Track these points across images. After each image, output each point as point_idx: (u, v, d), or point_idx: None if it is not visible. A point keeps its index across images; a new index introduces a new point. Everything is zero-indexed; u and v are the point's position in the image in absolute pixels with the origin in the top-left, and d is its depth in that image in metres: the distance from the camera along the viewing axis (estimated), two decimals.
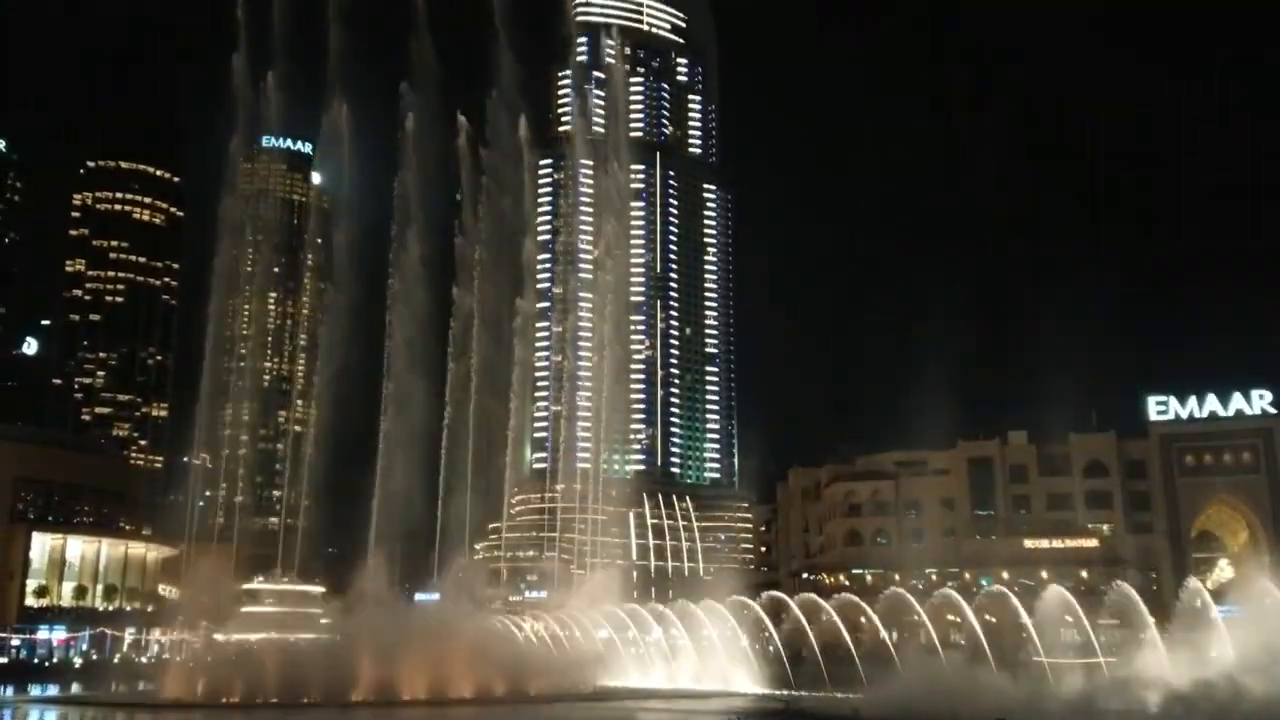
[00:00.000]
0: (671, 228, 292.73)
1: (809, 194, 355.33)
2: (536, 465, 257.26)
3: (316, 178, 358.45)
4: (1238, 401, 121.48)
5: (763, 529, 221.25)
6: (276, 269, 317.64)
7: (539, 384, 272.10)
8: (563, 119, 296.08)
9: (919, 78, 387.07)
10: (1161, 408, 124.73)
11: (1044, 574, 73.94)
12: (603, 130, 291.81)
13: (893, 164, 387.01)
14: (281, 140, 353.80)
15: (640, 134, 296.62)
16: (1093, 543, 72.32)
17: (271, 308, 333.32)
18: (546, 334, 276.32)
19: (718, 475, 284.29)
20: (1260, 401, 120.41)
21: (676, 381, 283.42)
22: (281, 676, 72.02)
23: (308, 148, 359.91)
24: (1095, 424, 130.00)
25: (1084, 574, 72.99)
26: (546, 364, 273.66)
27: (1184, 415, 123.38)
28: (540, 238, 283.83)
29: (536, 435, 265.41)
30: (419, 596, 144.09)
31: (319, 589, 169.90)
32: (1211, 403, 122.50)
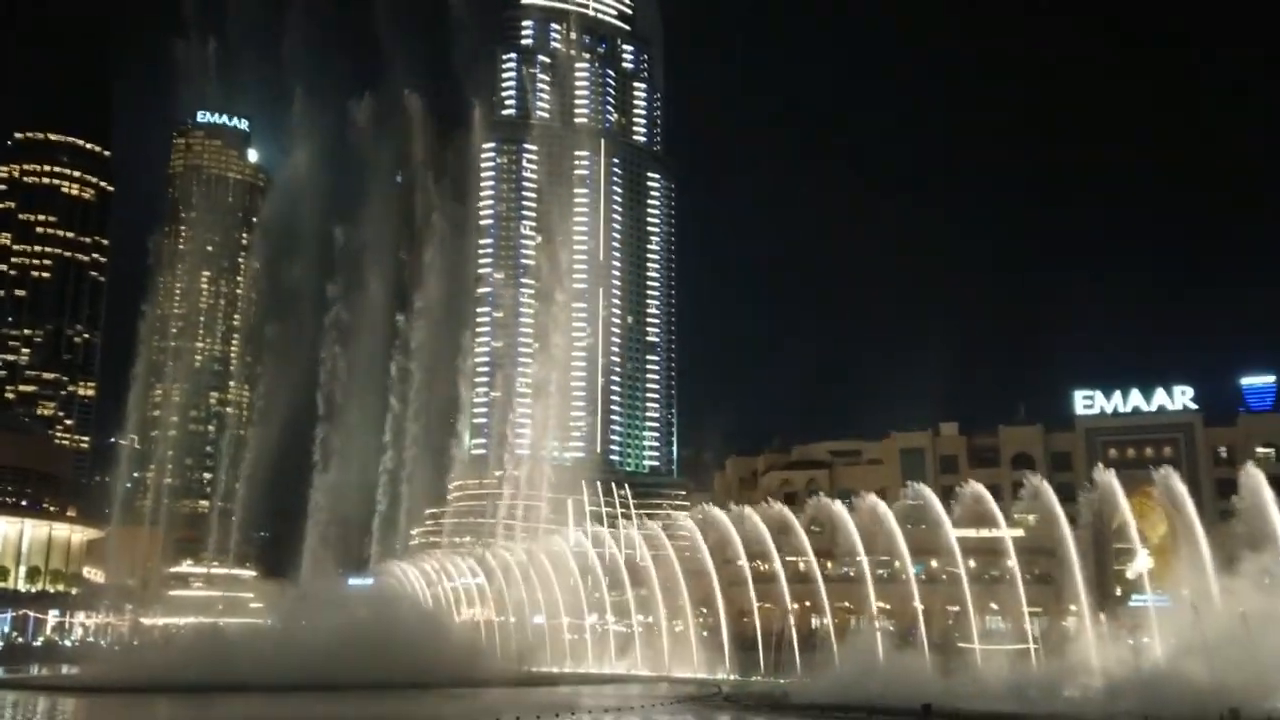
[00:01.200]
0: (615, 215, 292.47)
1: (755, 185, 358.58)
2: (476, 451, 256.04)
3: (254, 154, 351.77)
4: (1160, 397, 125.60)
5: (699, 517, 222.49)
6: (211, 247, 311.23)
7: (479, 370, 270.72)
8: (506, 103, 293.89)
9: (869, 69, 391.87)
10: (1088, 402, 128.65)
11: (971, 563, 75.73)
12: (547, 115, 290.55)
13: (841, 158, 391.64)
14: (218, 116, 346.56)
15: (585, 120, 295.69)
16: (1019, 533, 74.55)
17: (205, 286, 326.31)
18: (488, 319, 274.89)
19: (657, 463, 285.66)
20: (1182, 398, 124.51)
21: (617, 370, 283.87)
22: (209, 661, 71.08)
23: (245, 124, 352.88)
24: (1024, 417, 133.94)
25: (1010, 563, 75.21)
26: (487, 349, 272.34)
27: (1109, 410, 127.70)
28: (482, 222, 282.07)
29: (476, 421, 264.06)
30: (353, 581, 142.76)
31: (250, 573, 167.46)
32: (1135, 398, 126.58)
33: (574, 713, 52.81)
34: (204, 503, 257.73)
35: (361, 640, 73.22)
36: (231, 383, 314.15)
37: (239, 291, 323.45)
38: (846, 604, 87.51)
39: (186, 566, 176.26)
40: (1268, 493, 61.25)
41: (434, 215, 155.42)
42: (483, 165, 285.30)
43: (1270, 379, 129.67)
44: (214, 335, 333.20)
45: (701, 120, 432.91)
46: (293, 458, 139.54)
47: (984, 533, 75.94)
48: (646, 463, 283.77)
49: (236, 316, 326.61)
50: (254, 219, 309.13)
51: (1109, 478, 67.72)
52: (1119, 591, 74.19)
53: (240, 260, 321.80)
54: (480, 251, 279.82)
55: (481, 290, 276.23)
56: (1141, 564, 73.14)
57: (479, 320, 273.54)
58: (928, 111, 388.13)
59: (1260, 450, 71.45)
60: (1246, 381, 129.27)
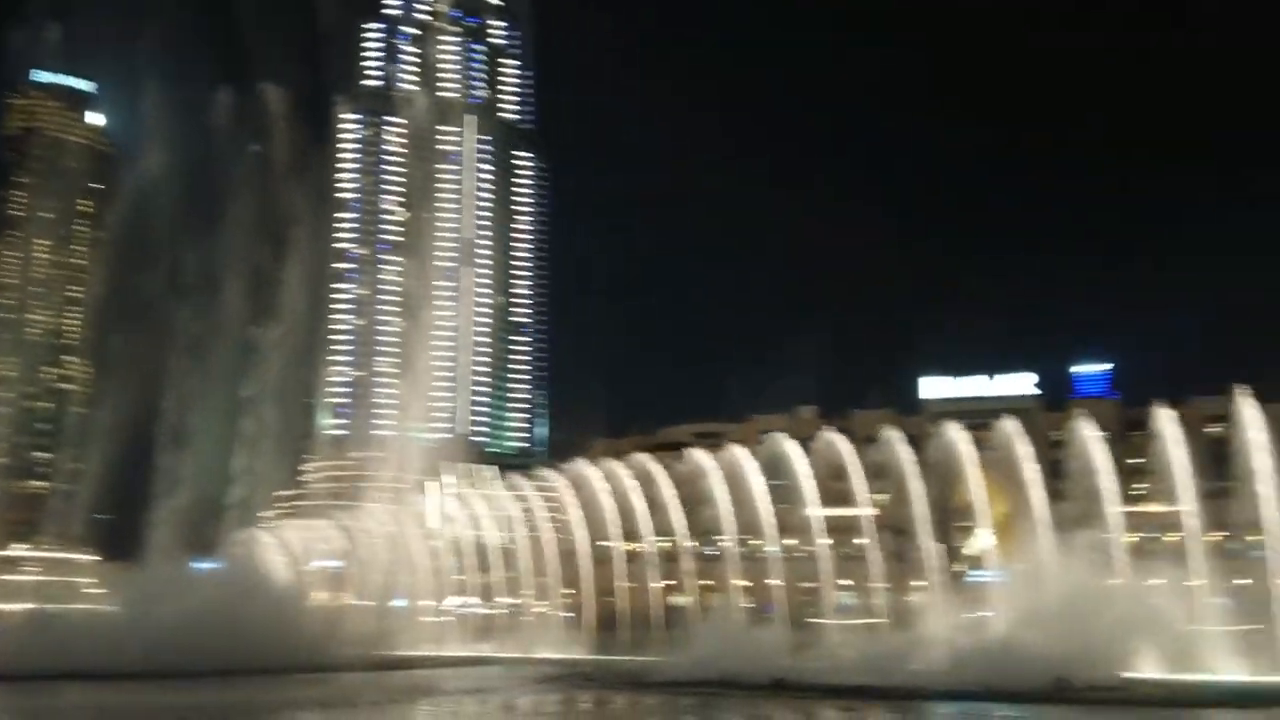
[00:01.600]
0: (483, 193, 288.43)
1: (632, 172, 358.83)
2: (332, 431, 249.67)
3: (97, 118, 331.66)
4: (1003, 383, 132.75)
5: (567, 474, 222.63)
6: (49, 214, 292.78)
7: (339, 347, 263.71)
8: (370, 74, 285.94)
9: (748, 55, 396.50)
10: (935, 387, 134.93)
11: (825, 541, 78.49)
12: (413, 88, 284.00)
13: (715, 149, 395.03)
14: (59, 75, 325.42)
15: (453, 94, 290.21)
16: (871, 512, 77.90)
17: (43, 255, 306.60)
18: (350, 296, 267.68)
19: (525, 445, 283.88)
20: (1024, 383, 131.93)
21: (484, 350, 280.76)
22: (41, 647, 67.43)
23: (89, 85, 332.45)
24: (875, 401, 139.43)
25: (861, 541, 78.39)
26: (348, 327, 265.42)
27: (955, 394, 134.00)
28: (345, 195, 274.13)
29: (334, 400, 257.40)
30: (201, 564, 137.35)
31: (91, 557, 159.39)
32: (981, 383, 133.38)
33: (432, 696, 52.33)
34: (39, 484, 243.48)
35: (209, 624, 70.60)
36: (71, 357, 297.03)
37: (79, 261, 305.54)
38: (710, 582, 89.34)
39: (17, 550, 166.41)
40: (1096, 447, 66.06)
41: (289, 184, 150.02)
42: (345, 137, 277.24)
43: (1104, 367, 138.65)
44: (52, 306, 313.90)
45: (580, 104, 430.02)
46: (138, 437, 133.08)
47: (838, 512, 78.86)
48: (512, 444, 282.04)
49: (77, 287, 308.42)
50: (96, 185, 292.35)
51: (953, 431, 71.81)
52: (960, 567, 78.10)
53: (82, 228, 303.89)
54: (341, 226, 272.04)
55: (342, 266, 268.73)
56: (982, 541, 77.03)
57: (339, 296, 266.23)
58: (804, 98, 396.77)
59: (1086, 433, 77.07)
60: (1079, 369, 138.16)
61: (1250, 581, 65.01)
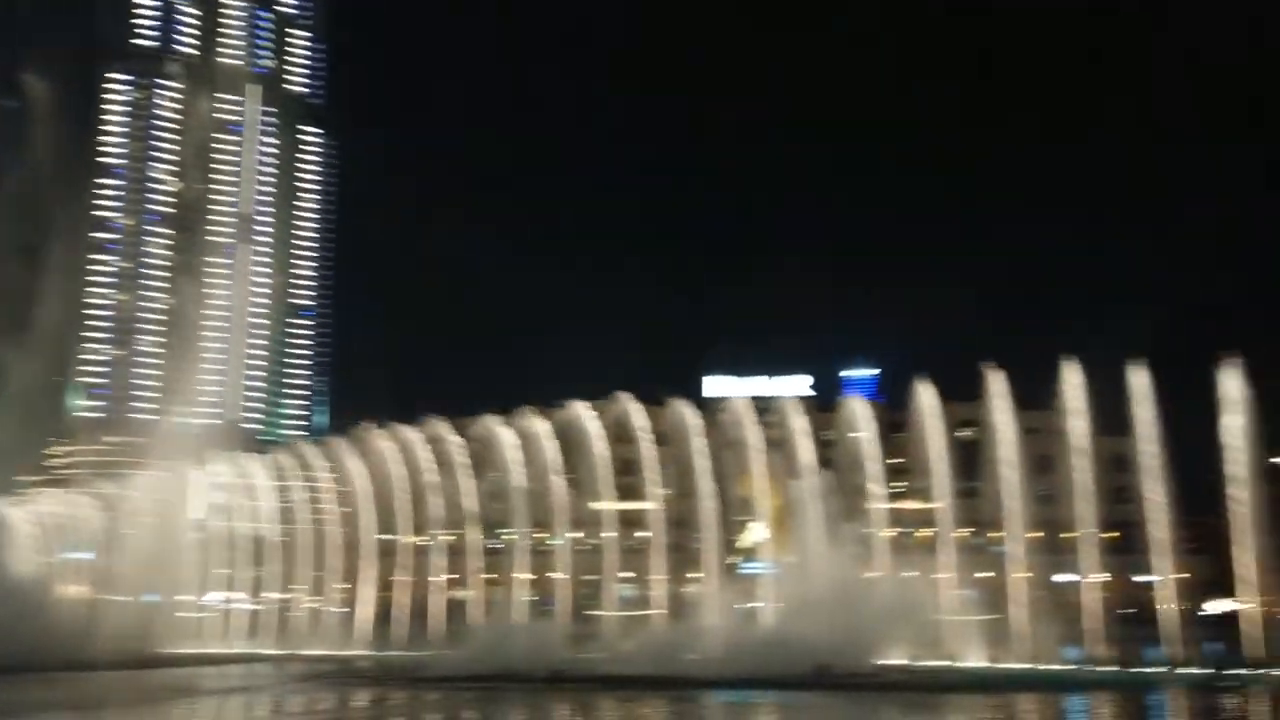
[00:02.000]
0: (265, 167, 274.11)
1: (427, 148, 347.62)
2: (89, 414, 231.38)
3: None
4: (782, 384, 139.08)
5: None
6: None
7: (97, 324, 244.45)
8: (144, 33, 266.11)
9: (547, 43, 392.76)
10: (717, 385, 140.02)
11: (610, 534, 79.79)
12: (190, 51, 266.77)
13: (514, 125, 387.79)
14: None
15: (235, 61, 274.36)
16: (654, 505, 79.76)
17: None
18: (112, 270, 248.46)
19: (304, 434, 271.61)
20: (800, 385, 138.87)
21: (260, 332, 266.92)
22: None
23: None
24: (661, 398, 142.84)
25: (645, 534, 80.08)
26: (109, 302, 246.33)
27: (737, 393, 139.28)
28: (110, 161, 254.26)
29: (89, 380, 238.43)
30: None
31: None
32: (761, 383, 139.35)
33: (194, 695, 49.43)
34: None
35: None
36: None
37: None
38: (494, 575, 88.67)
39: None
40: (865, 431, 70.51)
41: (47, 145, 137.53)
42: (113, 99, 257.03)
43: (871, 371, 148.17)
44: None
45: (375, 81, 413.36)
46: None
47: (622, 505, 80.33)
48: (288, 432, 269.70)
49: None
50: None
51: (739, 405, 74.79)
52: (735, 559, 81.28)
53: None
54: (105, 194, 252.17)
55: (104, 236, 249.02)
56: (756, 534, 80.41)
57: (99, 269, 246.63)
58: (600, 89, 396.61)
59: (853, 434, 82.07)
60: (849, 373, 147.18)
61: (992, 574, 71.01)
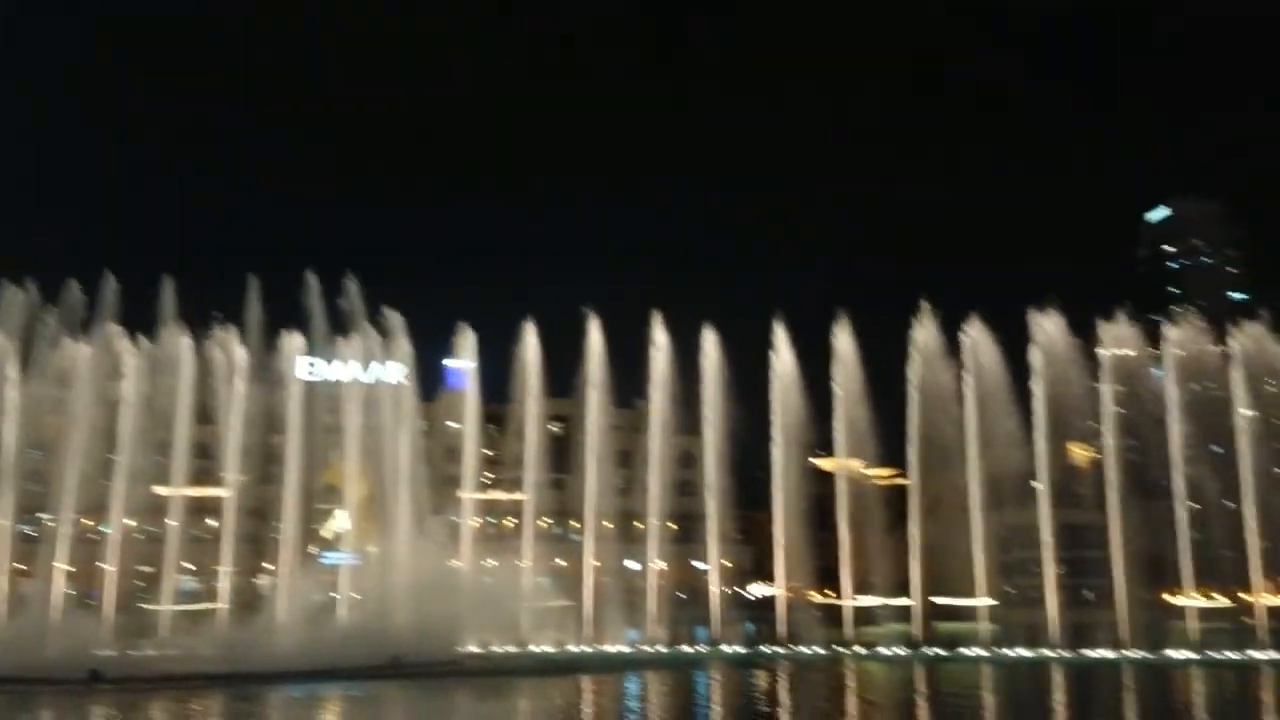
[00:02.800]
0: None
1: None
2: None
3: None
4: (378, 371, 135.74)
5: None
6: None
7: None
8: None
9: None
10: (310, 367, 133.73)
11: (174, 521, 73.01)
12: None
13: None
14: None
15: None
16: (224, 492, 73.90)
17: None
18: None
19: None
20: (396, 372, 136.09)
21: None
22: None
23: None
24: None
25: (214, 522, 74.31)
26: None
27: (331, 378, 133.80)
28: None
29: None
30: None
31: None
32: (355, 369, 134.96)
33: None
34: None
35: None
36: None
37: None
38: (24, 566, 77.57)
39: None
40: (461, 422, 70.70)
41: None
42: None
43: (470, 364, 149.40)
44: None
45: None
46: None
47: (189, 491, 73.80)
48: None
49: None
50: None
51: (331, 390, 71.85)
52: (316, 549, 77.84)
53: None
54: None
55: None
56: (340, 523, 77.69)
57: None
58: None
59: (449, 424, 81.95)
60: (450, 363, 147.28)
61: (567, 564, 74.15)
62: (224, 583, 72.03)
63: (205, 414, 74.46)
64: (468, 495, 74.56)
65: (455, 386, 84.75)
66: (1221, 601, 73.98)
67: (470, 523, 73.81)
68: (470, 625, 61.32)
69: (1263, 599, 67.57)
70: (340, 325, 75.47)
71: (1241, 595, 70.29)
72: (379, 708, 43.93)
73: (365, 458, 72.72)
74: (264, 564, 76.10)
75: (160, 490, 73.27)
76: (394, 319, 74.95)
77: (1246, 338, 71.84)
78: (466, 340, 76.03)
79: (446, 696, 46.28)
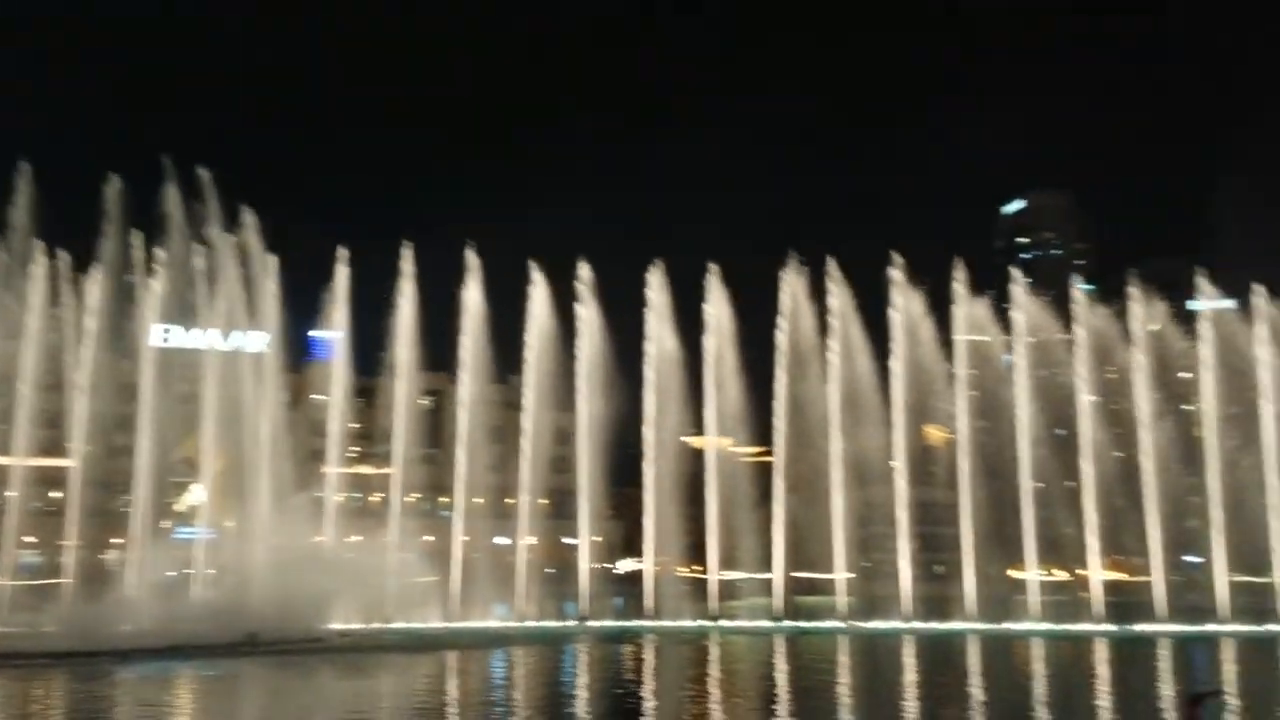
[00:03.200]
0: None
1: None
2: None
3: None
4: (240, 339, 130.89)
5: None
6: None
7: None
8: None
9: None
10: (165, 334, 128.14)
11: (13, 493, 69.15)
12: None
13: None
14: None
15: None
16: (71, 463, 70.34)
17: None
18: None
19: None
20: (259, 341, 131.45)
21: None
22: None
23: None
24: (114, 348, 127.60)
25: (58, 494, 70.68)
26: None
27: (187, 345, 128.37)
28: None
29: None
30: None
31: None
32: (214, 337, 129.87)
33: None
34: None
35: None
36: None
37: None
38: None
39: None
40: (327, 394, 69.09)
41: None
42: None
43: (338, 334, 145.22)
44: None
45: None
46: None
47: (32, 462, 70.10)
48: None
49: None
50: None
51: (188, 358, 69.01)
52: (169, 524, 74.88)
53: None
54: None
55: None
56: (195, 496, 74.94)
57: None
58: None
59: (315, 396, 79.57)
60: (316, 334, 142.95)
61: (435, 539, 73.36)
62: (69, 557, 68.64)
63: (52, 381, 70.63)
64: (333, 470, 72.87)
65: (322, 357, 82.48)
66: (1061, 576, 78.54)
67: (335, 498, 72.20)
68: (334, 602, 60.24)
69: (1098, 574, 71.85)
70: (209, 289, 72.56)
71: (1079, 571, 74.66)
72: (232, 686, 42.77)
73: (223, 429, 70.15)
74: (113, 539, 72.84)
75: (4, 460, 69.39)
76: (266, 284, 72.01)
77: (1090, 326, 76.03)
78: (336, 310, 73.88)
79: (306, 674, 45.39)
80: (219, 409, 70.83)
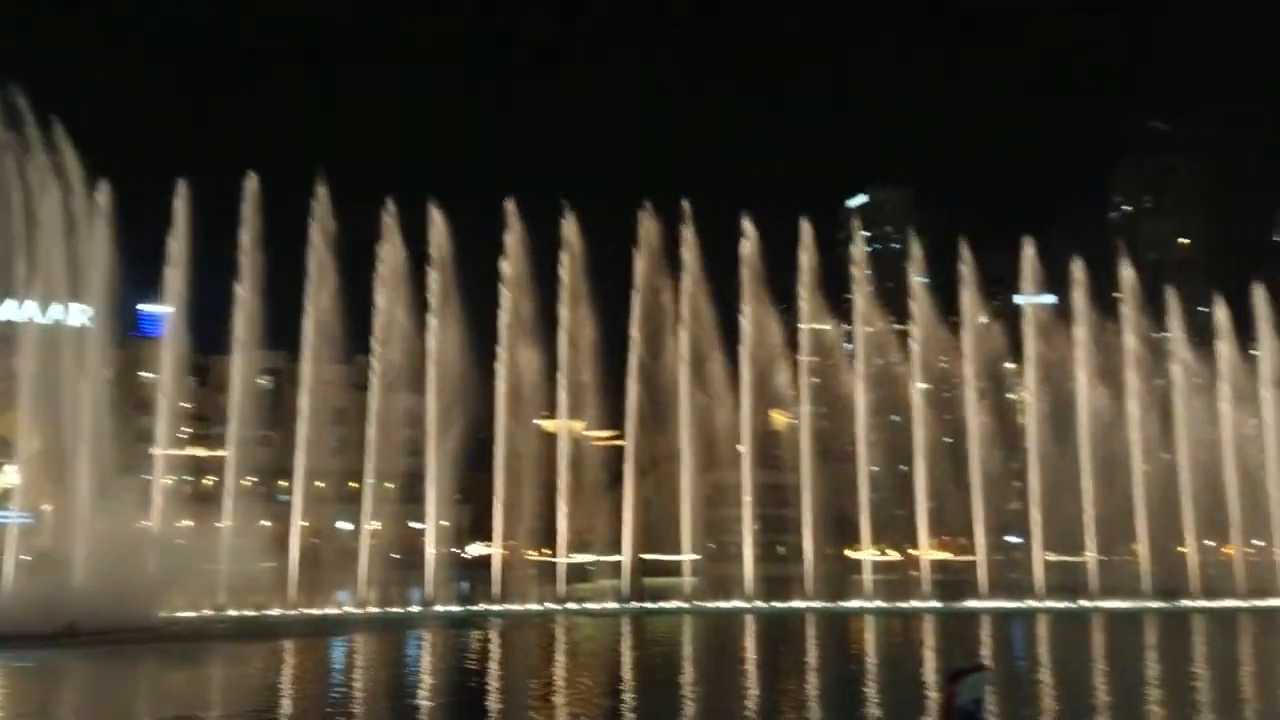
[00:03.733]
0: None
1: None
2: None
3: None
4: (60, 312, 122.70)
5: None
6: None
7: None
8: None
9: None
10: None
11: None
12: None
13: None
14: None
15: None
16: None
17: None
18: None
19: None
20: (81, 314, 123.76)
21: None
22: None
23: None
24: None
25: None
26: None
27: (15, 320, 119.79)
28: None
29: None
30: None
31: None
32: (31, 309, 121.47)
33: None
34: None
35: None
36: None
37: None
38: None
39: None
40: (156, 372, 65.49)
41: None
42: None
43: (168, 309, 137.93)
44: None
45: None
46: None
47: None
48: None
49: None
50: None
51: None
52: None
53: None
54: None
55: None
56: (8, 479, 70.13)
57: None
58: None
59: (143, 374, 75.30)
60: (145, 308, 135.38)
61: (273, 523, 70.75)
62: None
63: None
64: (161, 451, 69.26)
65: (151, 333, 78.19)
66: (893, 556, 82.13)
67: (165, 480, 68.69)
68: (163, 589, 57.52)
69: (927, 554, 75.43)
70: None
71: (910, 550, 78.20)
72: (47, 678, 40.29)
73: (41, 407, 65.66)
74: None
75: None
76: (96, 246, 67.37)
77: (923, 318, 79.69)
78: (168, 283, 70.07)
79: (129, 665, 43.16)
80: (35, 386, 66.22)
